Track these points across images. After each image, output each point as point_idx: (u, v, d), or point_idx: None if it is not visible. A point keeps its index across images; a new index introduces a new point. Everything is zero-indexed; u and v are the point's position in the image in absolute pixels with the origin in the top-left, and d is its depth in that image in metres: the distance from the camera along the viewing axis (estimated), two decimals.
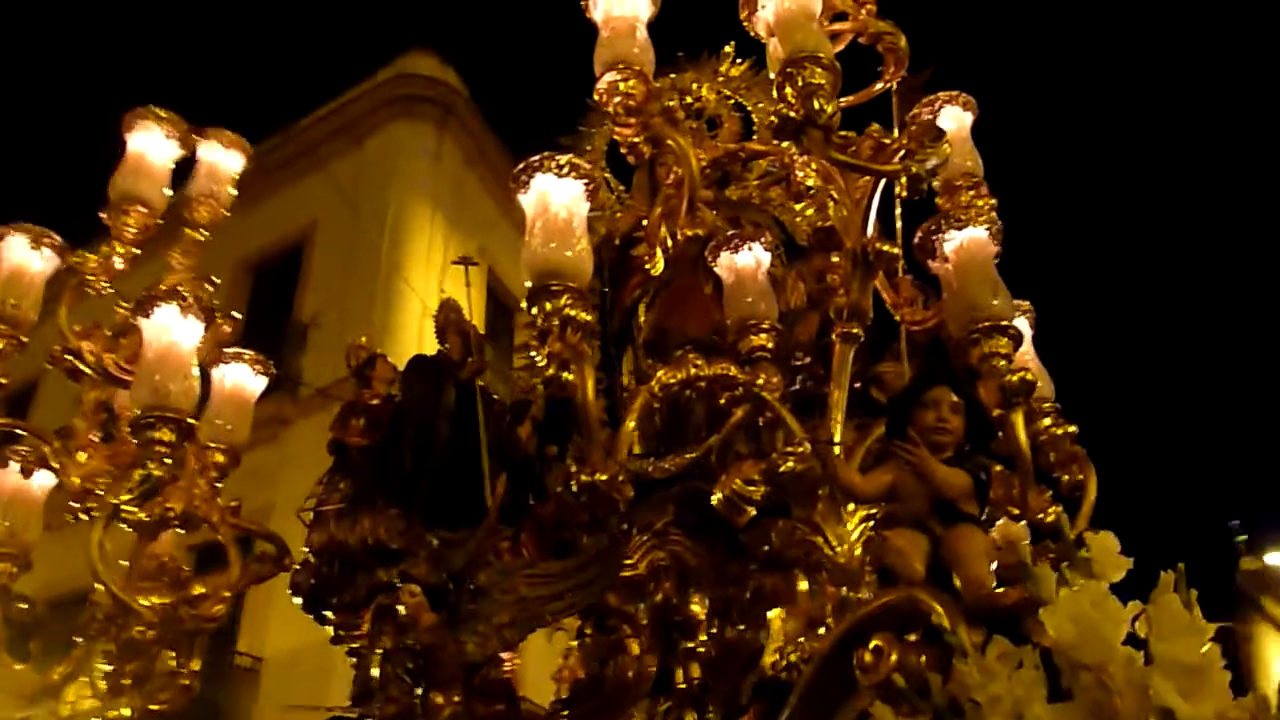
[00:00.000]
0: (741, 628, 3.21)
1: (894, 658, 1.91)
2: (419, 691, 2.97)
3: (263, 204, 12.26)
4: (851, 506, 2.64)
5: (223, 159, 3.99)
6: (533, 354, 2.44)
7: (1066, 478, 3.07)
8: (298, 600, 4.14)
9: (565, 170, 2.59)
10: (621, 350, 3.86)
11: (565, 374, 2.34)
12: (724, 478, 2.74)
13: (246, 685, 10.52)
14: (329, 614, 4.07)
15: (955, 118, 3.30)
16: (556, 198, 2.59)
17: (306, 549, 4.21)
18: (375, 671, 3.21)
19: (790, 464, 2.53)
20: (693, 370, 2.71)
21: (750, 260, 3.27)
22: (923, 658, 1.92)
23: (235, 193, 4.01)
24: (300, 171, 13.62)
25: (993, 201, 3.16)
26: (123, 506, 2.94)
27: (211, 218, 3.90)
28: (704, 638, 3.10)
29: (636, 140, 2.72)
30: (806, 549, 2.58)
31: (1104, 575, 1.76)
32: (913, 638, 2.03)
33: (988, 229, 2.82)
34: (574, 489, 2.35)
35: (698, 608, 3.12)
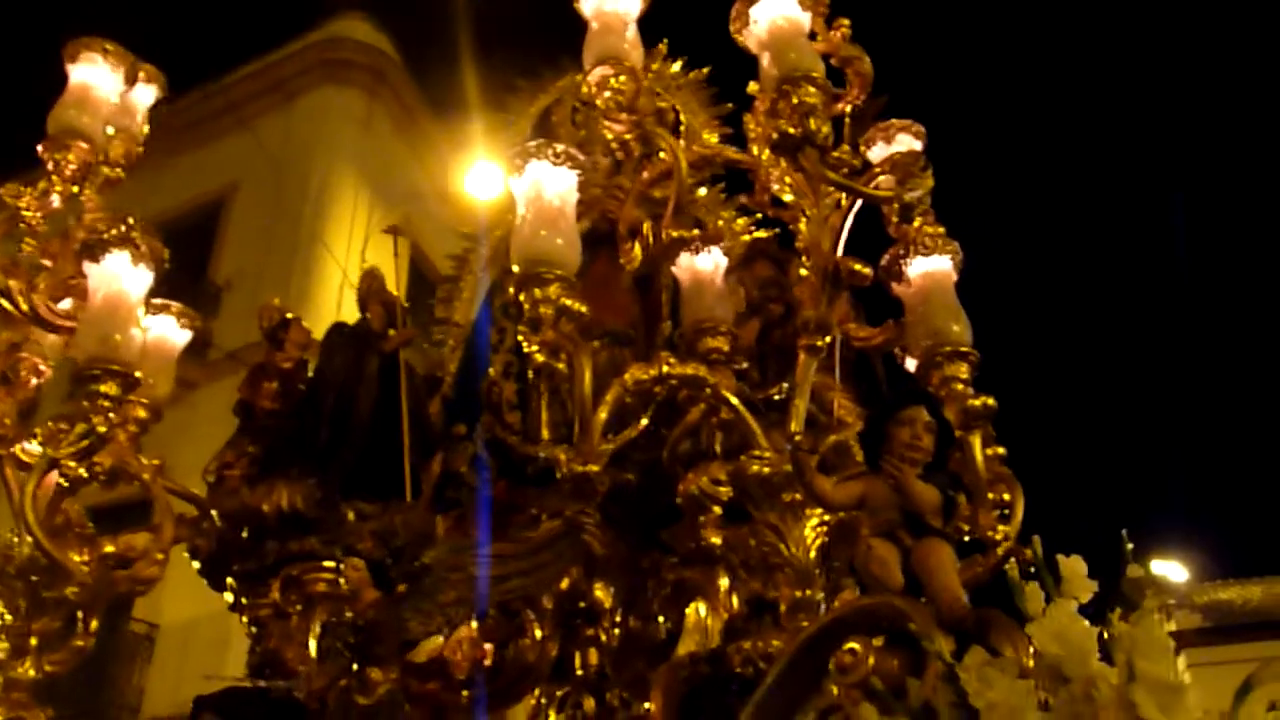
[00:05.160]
0: (661, 619, 3.29)
1: (871, 660, 1.98)
2: (354, 667, 2.93)
3: (181, 159, 11.87)
4: (809, 511, 2.72)
5: (137, 93, 3.78)
6: (521, 341, 2.43)
7: (991, 495, 3.21)
8: (196, 565, 4.04)
9: (561, 159, 2.60)
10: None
11: (558, 363, 2.35)
12: (690, 475, 2.79)
13: (141, 653, 10.21)
14: (230, 581, 3.99)
15: (906, 145, 3.42)
16: (550, 186, 2.60)
17: (213, 512, 4.11)
18: (312, 643, 3.15)
19: (759, 467, 2.59)
20: (665, 368, 2.74)
21: (709, 264, 3.33)
22: (895, 662, 1.99)
23: (147, 130, 3.85)
24: (223, 129, 13.21)
25: (940, 230, 3.29)
26: (63, 460, 2.83)
27: (127, 155, 3.71)
28: (608, 625, 3.17)
29: (628, 137, 2.74)
30: (766, 550, 2.64)
31: (1073, 595, 1.87)
32: (877, 642, 2.12)
33: (951, 258, 2.95)
34: (559, 475, 2.36)
35: (603, 595, 3.18)
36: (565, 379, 3.49)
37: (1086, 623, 1.80)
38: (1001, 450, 3.12)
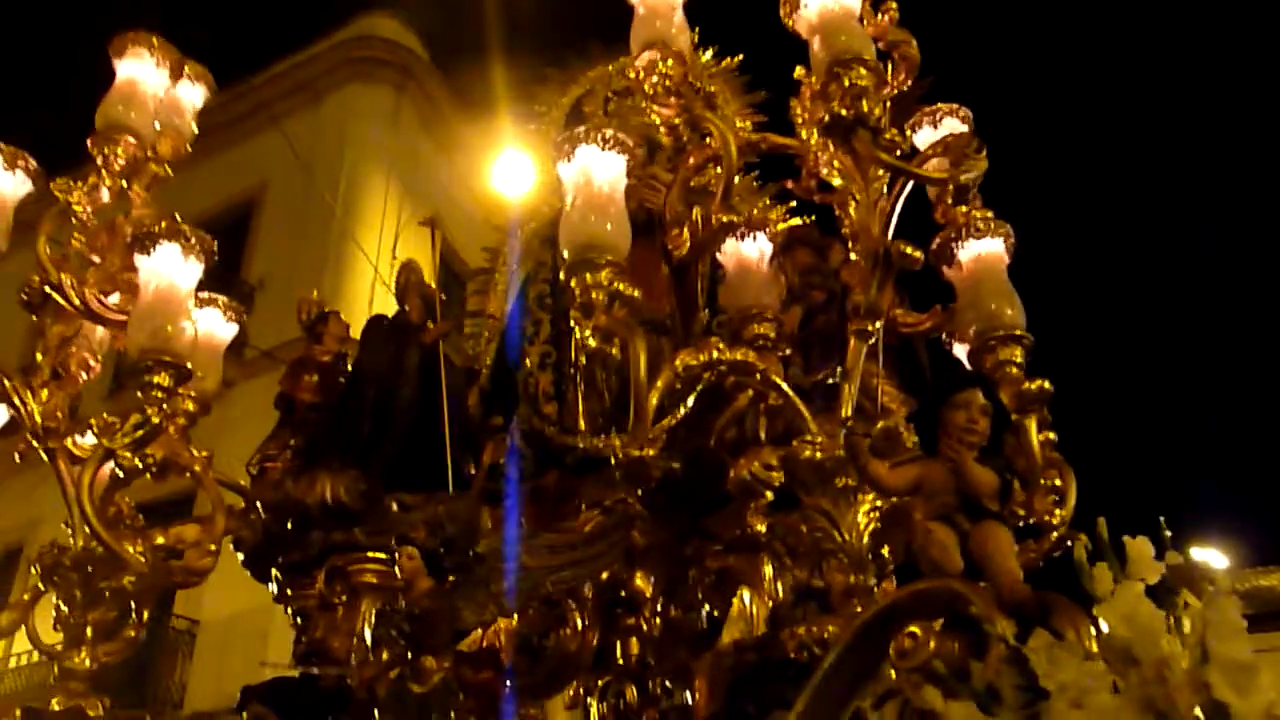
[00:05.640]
0: (705, 608, 3.29)
1: (932, 644, 1.97)
2: (409, 655, 2.95)
3: (212, 160, 11.94)
4: (861, 496, 2.70)
5: (185, 92, 3.81)
6: (565, 330, 2.43)
7: (1044, 482, 3.19)
8: (240, 556, 4.07)
9: (610, 144, 2.60)
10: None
11: (612, 348, 2.35)
12: (741, 460, 2.78)
13: (182, 648, 10.33)
14: (274, 572, 4.03)
15: (953, 129, 3.39)
16: (599, 172, 2.60)
17: (258, 505, 4.14)
18: (368, 632, 3.18)
19: (811, 452, 2.58)
20: (715, 354, 2.73)
21: (754, 250, 3.31)
22: (955, 646, 1.97)
23: (196, 130, 3.88)
24: (252, 129, 13.30)
25: (988, 213, 3.26)
26: (118, 451, 2.86)
27: (175, 153, 3.73)
28: (649, 615, 3.16)
29: (676, 121, 2.73)
30: (818, 536, 2.63)
31: (1140, 577, 1.85)
32: (937, 626, 2.10)
33: (1004, 241, 2.92)
34: (613, 462, 2.36)
35: (643, 585, 3.18)
36: (602, 368, 3.52)
37: (1153, 605, 1.79)
38: (1053, 435, 3.10)
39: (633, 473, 2.38)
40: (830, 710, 2.13)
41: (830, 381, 3.06)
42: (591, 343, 2.39)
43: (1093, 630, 1.97)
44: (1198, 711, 1.53)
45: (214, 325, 3.74)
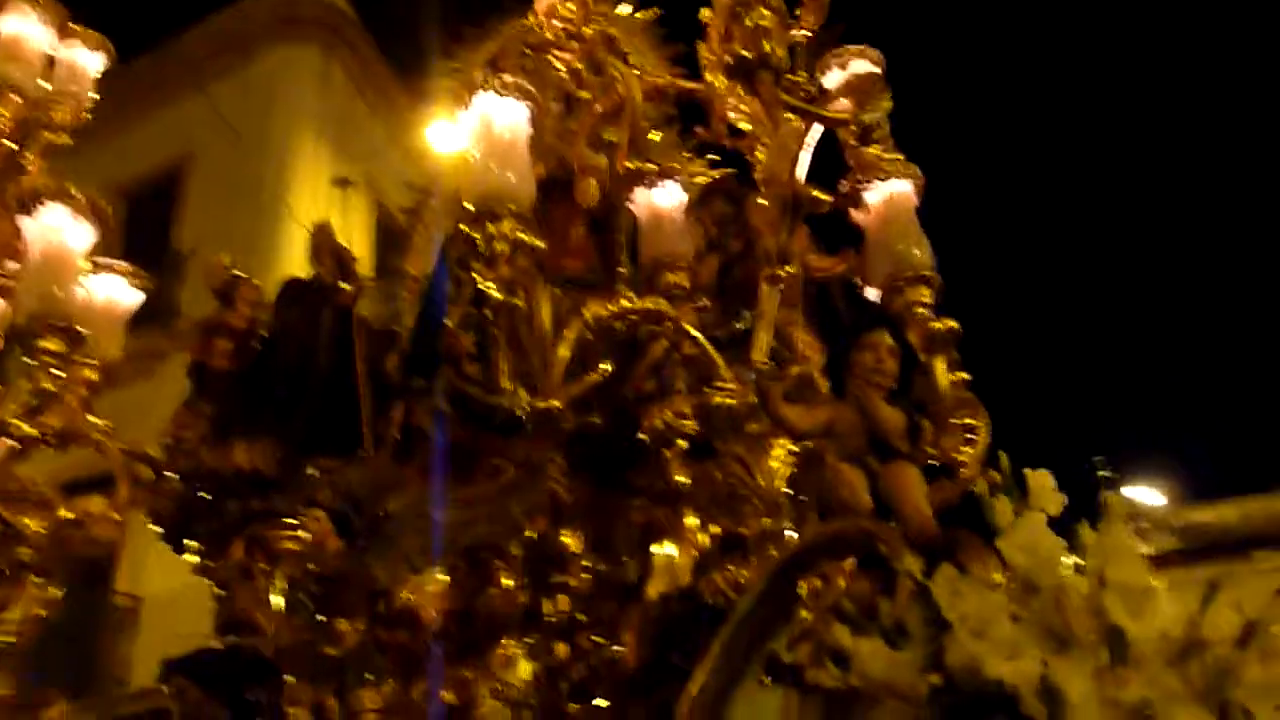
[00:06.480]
0: (625, 559, 3.27)
1: (842, 584, 1.95)
2: (321, 619, 2.89)
3: (138, 124, 11.62)
4: (774, 441, 2.68)
5: (84, 59, 3.67)
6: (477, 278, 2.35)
7: (957, 421, 3.19)
8: (157, 529, 3.98)
9: (508, 90, 2.51)
10: None
11: (515, 299, 2.28)
12: (654, 410, 2.74)
13: (126, 625, 10.16)
14: (192, 543, 3.94)
15: (863, 70, 3.34)
16: (499, 119, 2.51)
17: (172, 475, 4.05)
18: (276, 599, 3.11)
19: (722, 399, 2.54)
20: (624, 303, 2.68)
21: (667, 199, 3.26)
22: (867, 585, 1.96)
23: (96, 97, 3.75)
24: (179, 92, 12.89)
25: (898, 155, 3.23)
26: (9, 421, 2.75)
27: (73, 120, 3.58)
28: (577, 571, 3.14)
29: (579, 66, 2.65)
30: (733, 483, 2.60)
31: (1041, 508, 1.84)
32: (848, 566, 2.09)
33: (912, 182, 2.90)
34: (519, 414, 2.30)
35: (570, 541, 3.15)
36: (524, 323, 3.47)
37: (1054, 534, 1.79)
38: (966, 375, 3.09)
39: (542, 426, 2.33)
40: (744, 653, 2.11)
41: (744, 329, 3.02)
42: (496, 296, 2.32)
43: (997, 564, 1.97)
44: (1094, 635, 1.53)
45: (116, 291, 3.62)
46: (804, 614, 2.12)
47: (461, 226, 2.43)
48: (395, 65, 13.54)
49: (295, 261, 10.76)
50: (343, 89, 13.48)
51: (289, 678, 2.75)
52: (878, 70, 3.06)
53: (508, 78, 2.53)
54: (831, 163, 3.11)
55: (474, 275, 2.40)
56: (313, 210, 11.33)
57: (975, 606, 1.62)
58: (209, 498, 3.82)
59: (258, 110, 12.59)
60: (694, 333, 2.72)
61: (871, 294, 3.13)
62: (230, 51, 13.31)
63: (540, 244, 2.36)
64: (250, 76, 13.08)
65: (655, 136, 3.85)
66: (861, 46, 3.18)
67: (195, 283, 11.13)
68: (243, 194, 11.90)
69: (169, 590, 9.30)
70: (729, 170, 3.92)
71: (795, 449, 2.62)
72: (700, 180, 3.72)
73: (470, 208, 2.46)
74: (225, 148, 12.32)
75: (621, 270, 3.65)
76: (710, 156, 4.04)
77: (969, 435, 2.71)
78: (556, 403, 2.34)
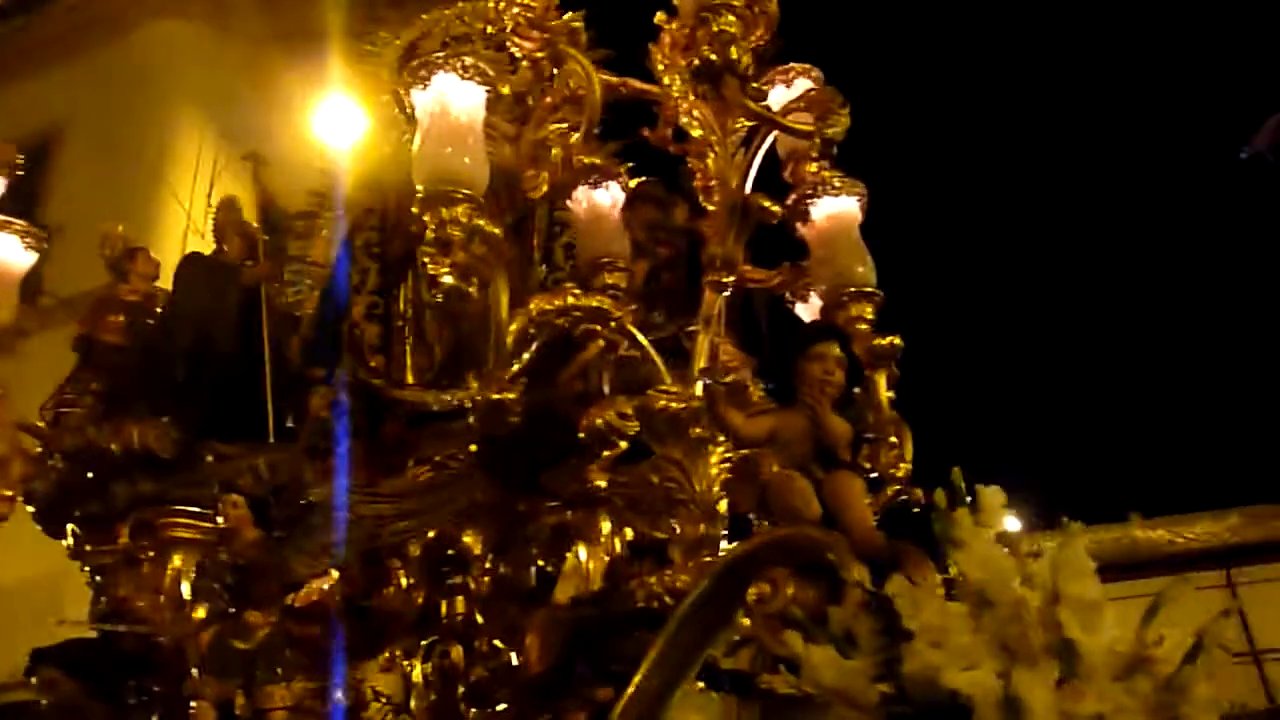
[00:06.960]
0: (540, 564, 3.23)
1: (789, 590, 1.97)
2: (231, 610, 2.76)
3: (4, 93, 10.86)
4: (712, 447, 2.69)
5: None
6: (428, 263, 2.28)
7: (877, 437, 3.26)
8: (31, 509, 3.74)
9: (470, 73, 2.46)
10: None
11: (469, 286, 2.23)
12: (593, 410, 2.71)
13: None
14: (72, 527, 3.73)
15: (802, 89, 3.41)
16: (457, 101, 2.46)
17: (54, 453, 3.81)
18: (185, 587, 2.95)
19: (666, 402, 2.53)
20: (569, 299, 2.65)
21: (607, 199, 3.24)
22: (812, 592, 1.98)
23: None
24: (52, 62, 12.17)
25: (838, 173, 3.30)
26: None
27: None
28: (477, 573, 3.09)
29: (539, 55, 2.62)
30: (670, 487, 2.59)
31: (991, 525, 1.90)
32: (784, 572, 2.11)
33: (858, 200, 2.97)
34: (468, 405, 2.24)
35: (472, 542, 3.10)
36: (435, 320, 3.39)
37: (1003, 551, 1.84)
38: (891, 394, 3.17)
39: (489, 417, 2.27)
40: (683, 658, 2.10)
41: (676, 336, 3.03)
42: (449, 281, 2.25)
43: (937, 577, 2.02)
44: (1048, 649, 1.58)
45: (9, 252, 3.41)
46: (744, 620, 2.13)
47: (413, 210, 2.35)
48: (286, 45, 13.11)
49: (173, 243, 10.31)
50: (230, 66, 12.95)
51: (193, 670, 2.60)
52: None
53: (469, 59, 2.46)
54: (768, 179, 3.15)
55: (424, 261, 2.32)
56: (194, 193, 10.86)
57: (935, 617, 1.65)
58: (93, 478, 3.62)
59: (138, 85, 11.96)
60: (639, 336, 2.70)
61: (802, 310, 3.19)
62: (109, 23, 12.66)
63: (497, 230, 2.30)
64: (131, 49, 12.43)
65: (575, 138, 3.82)
66: (805, 65, 3.25)
67: (63, 260, 10.52)
68: (118, 171, 11.30)
69: (14, 580, 8.72)
70: (654, 177, 3.93)
71: (731, 456, 2.63)
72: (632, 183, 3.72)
73: (421, 190, 2.39)
74: (101, 122, 11.68)
75: (539, 271, 3.62)
76: (629, 164, 4.05)
77: (895, 450, 2.77)
78: (510, 394, 2.28)
